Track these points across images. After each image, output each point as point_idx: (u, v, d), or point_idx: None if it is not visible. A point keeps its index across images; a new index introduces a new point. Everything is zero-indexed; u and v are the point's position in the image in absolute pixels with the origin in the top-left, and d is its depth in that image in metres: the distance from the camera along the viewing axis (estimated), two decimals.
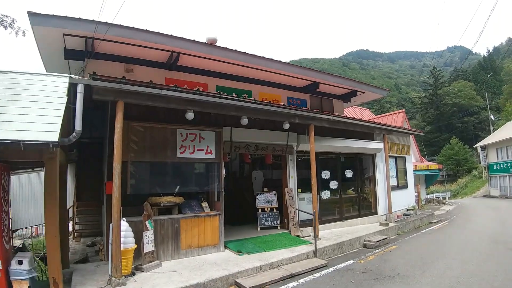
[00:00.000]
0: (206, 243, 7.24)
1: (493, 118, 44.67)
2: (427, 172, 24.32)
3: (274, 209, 9.71)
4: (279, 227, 9.48)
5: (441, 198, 24.47)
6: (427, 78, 66.62)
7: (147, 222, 6.47)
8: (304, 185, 9.50)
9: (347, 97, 14.40)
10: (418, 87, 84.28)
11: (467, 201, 26.65)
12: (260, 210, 9.63)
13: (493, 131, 39.04)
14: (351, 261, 7.42)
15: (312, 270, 6.68)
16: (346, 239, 8.58)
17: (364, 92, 14.03)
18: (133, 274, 5.97)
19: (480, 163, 36.59)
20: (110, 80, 5.64)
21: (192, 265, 6.46)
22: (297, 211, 9.00)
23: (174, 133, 7.18)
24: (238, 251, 7.21)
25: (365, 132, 11.02)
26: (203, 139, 7.44)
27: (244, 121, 7.41)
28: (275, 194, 9.95)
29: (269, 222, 9.50)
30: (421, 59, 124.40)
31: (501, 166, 29.62)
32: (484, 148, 32.85)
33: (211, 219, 7.35)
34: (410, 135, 15.55)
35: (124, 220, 6.17)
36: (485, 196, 32.65)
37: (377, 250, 8.45)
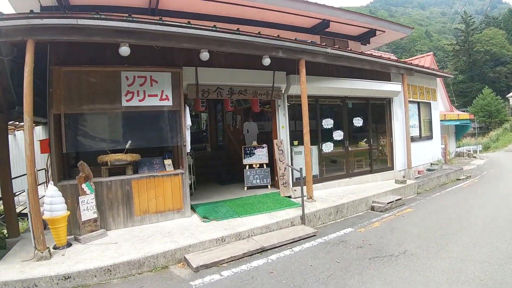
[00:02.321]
0: (167, 208, 5.66)
1: None
2: (458, 123, 20.88)
3: (264, 165, 7.90)
4: (269, 186, 7.72)
5: (471, 152, 21.23)
6: (458, 24, 59.80)
7: (84, 185, 4.98)
8: (300, 137, 7.52)
9: (365, 37, 11.61)
10: (449, 35, 75.27)
11: (499, 155, 23.06)
12: (247, 166, 7.86)
13: None
14: (348, 229, 5.58)
15: (293, 242, 4.95)
16: (348, 200, 6.66)
17: (384, 31, 11.17)
18: (69, 245, 4.69)
19: None
20: (16, 17, 4.18)
21: (141, 235, 4.95)
22: (287, 167, 7.12)
23: (117, 77, 5.40)
24: (204, 217, 5.58)
25: (379, 71, 8.57)
26: (155, 82, 5.59)
27: (204, 55, 5.42)
28: (265, 148, 8.08)
29: (258, 181, 7.75)
30: (452, 6, 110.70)
31: None
32: None
33: (172, 179, 5.69)
34: (438, 78, 12.68)
35: (51, 184, 4.79)
36: None
37: (386, 214, 6.50)
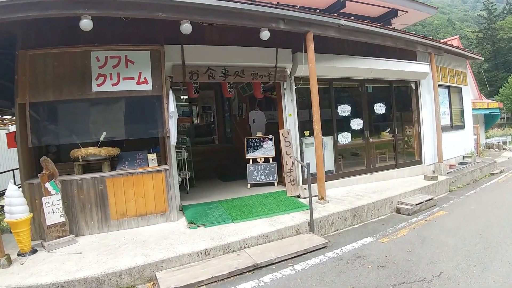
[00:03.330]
0: (149, 210, 4.69)
1: None
2: (487, 112, 18.70)
3: (271, 159, 6.79)
4: (276, 184, 6.60)
5: (501, 143, 18.97)
6: (481, 11, 56.39)
7: (48, 185, 4.14)
8: (312, 126, 6.37)
9: (385, 18, 10.09)
10: (472, 23, 70.49)
11: None
12: (251, 161, 6.79)
13: None
14: (368, 239, 4.42)
15: (295, 257, 3.87)
16: (369, 201, 5.45)
17: (406, 11, 9.65)
18: (34, 252, 3.93)
19: None
20: None
21: (112, 244, 4.03)
22: (295, 161, 5.98)
23: (86, 58, 4.48)
24: (191, 222, 4.57)
25: (403, 50, 7.22)
26: (131, 63, 4.61)
27: (186, 28, 4.35)
28: (271, 139, 6.97)
29: (263, 177, 6.65)
30: None
31: None
32: None
33: (154, 177, 4.71)
34: (466, 61, 11.01)
35: (11, 183, 4.00)
36: None
37: (415, 219, 5.25)
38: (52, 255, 3.80)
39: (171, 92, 4.90)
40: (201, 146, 10.21)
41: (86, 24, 3.87)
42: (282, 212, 4.94)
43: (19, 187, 4.06)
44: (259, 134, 7.20)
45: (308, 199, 4.74)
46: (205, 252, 3.76)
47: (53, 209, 4.12)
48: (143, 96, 4.68)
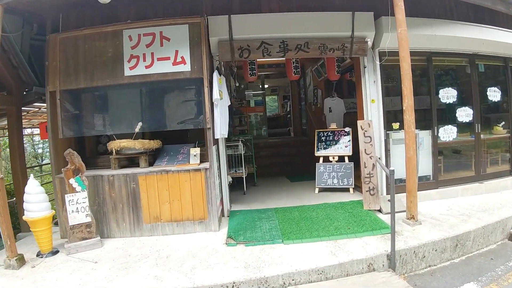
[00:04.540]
0: (186, 216, 3.89)
1: None
2: None
3: (347, 158, 5.32)
4: (351, 190, 5.12)
5: None
6: None
7: (72, 181, 3.69)
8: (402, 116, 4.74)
9: None
10: None
11: None
12: (321, 159, 5.45)
13: None
14: (470, 286, 2.73)
15: None
16: (477, 226, 3.63)
17: None
18: (55, 253, 3.57)
19: None
20: None
21: (134, 255, 3.40)
22: (376, 163, 4.41)
23: (118, 38, 3.88)
24: (230, 237, 3.59)
25: None
26: (167, 40, 3.82)
27: None
28: (348, 134, 5.47)
29: (335, 181, 5.24)
30: None
31: None
32: None
33: (191, 177, 3.86)
34: None
35: (31, 177, 3.63)
36: None
37: None
38: (68, 260, 3.35)
39: (215, 75, 3.96)
40: (274, 139, 9.19)
41: None
42: (353, 234, 3.54)
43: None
44: (333, 126, 5.76)
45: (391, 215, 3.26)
46: (233, 286, 2.73)
47: (78, 207, 3.66)
48: (180, 79, 3.85)
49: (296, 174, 6.79)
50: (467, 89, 5.22)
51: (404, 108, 3.73)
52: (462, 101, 5.14)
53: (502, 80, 5.52)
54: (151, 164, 4.13)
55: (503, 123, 5.59)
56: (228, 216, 4.37)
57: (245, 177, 5.43)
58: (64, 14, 4.10)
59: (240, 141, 5.50)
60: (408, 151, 3.77)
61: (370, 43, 4.30)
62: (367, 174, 4.45)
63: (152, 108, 4.04)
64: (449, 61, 5.18)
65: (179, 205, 3.88)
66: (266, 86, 11.52)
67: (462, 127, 5.20)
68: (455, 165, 5.37)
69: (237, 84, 9.51)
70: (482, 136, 5.30)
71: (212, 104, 3.88)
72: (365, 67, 4.51)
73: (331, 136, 5.61)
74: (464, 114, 5.12)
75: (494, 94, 5.37)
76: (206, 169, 3.86)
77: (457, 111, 5.09)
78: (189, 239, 3.72)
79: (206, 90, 3.78)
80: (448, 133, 5.04)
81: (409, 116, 3.69)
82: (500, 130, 5.59)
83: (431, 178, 4.94)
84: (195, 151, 4.12)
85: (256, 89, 10.17)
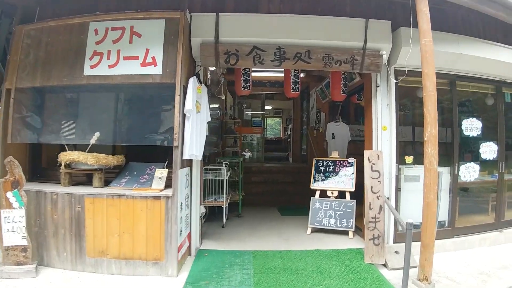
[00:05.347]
0: (137, 254, 3.06)
1: None
2: None
3: (348, 194, 4.46)
4: (351, 234, 4.22)
5: None
6: None
7: (10, 194, 2.98)
8: (417, 149, 3.94)
9: None
10: None
11: None
12: (317, 193, 4.60)
13: None
14: None
15: None
16: None
17: None
18: None
19: None
20: None
21: None
22: (385, 204, 3.54)
23: (83, 31, 3.25)
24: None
25: None
26: (138, 36, 3.16)
27: None
28: (352, 165, 4.65)
29: (332, 221, 4.35)
30: None
31: None
32: None
33: (148, 205, 3.05)
34: None
35: None
36: None
37: None
38: None
39: (193, 82, 3.26)
40: (270, 163, 8.37)
41: None
42: None
43: None
44: (335, 154, 4.96)
45: (400, 271, 2.39)
46: None
47: (14, 226, 2.99)
48: (149, 84, 3.14)
49: (290, 206, 5.94)
50: (492, 121, 4.45)
51: (425, 138, 2.92)
52: (487, 134, 4.35)
53: None
54: (108, 183, 3.38)
55: None
56: (195, 256, 3.52)
57: (226, 206, 4.60)
58: (42, 6, 3.58)
59: (224, 164, 4.71)
60: (427, 194, 2.91)
61: (385, 58, 3.53)
62: (372, 218, 3.57)
63: (113, 117, 3.34)
64: (474, 87, 4.40)
65: (130, 239, 3.06)
66: (269, 107, 10.87)
67: (485, 164, 4.40)
68: (471, 208, 4.50)
69: (238, 102, 8.89)
70: (506, 175, 4.48)
71: (184, 116, 3.16)
72: (377, 86, 3.73)
73: (331, 167, 4.79)
74: (488, 150, 4.36)
75: None
76: (167, 197, 3.06)
77: (481, 146, 4.30)
78: (138, 284, 2.88)
79: (177, 98, 3.05)
80: (470, 171, 4.22)
81: (432, 150, 2.87)
82: None
83: (446, 224, 4.11)
84: (161, 173, 3.34)
85: (257, 109, 9.49)
